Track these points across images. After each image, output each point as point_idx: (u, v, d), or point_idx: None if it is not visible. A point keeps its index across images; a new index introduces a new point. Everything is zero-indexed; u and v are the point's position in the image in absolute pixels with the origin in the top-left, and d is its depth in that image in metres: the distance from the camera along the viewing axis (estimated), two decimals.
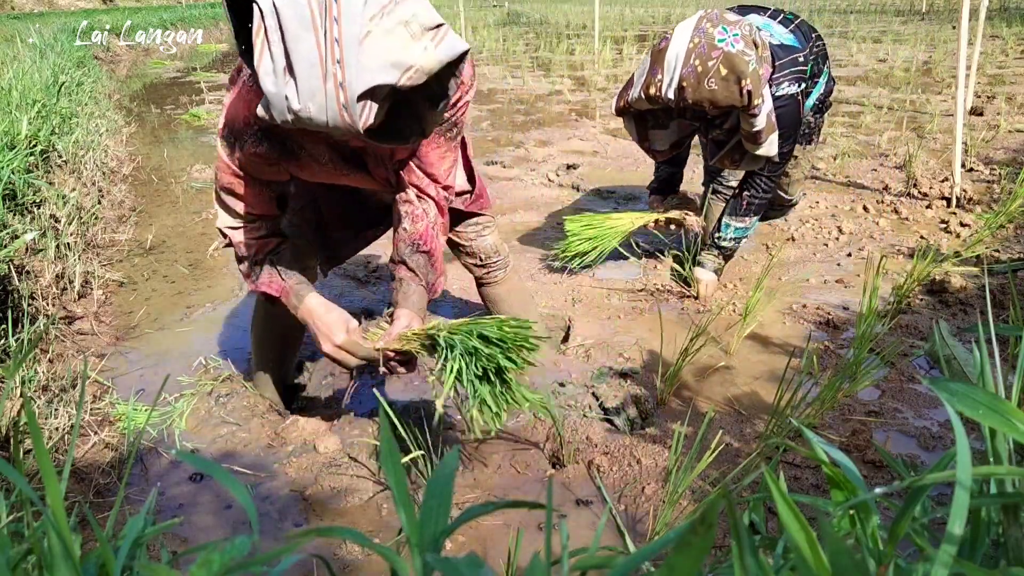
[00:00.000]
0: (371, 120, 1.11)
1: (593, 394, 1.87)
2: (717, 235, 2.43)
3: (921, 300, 2.34)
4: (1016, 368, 0.73)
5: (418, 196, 1.55)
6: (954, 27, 9.84)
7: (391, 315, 1.54)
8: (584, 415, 1.78)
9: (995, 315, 2.20)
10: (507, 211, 3.50)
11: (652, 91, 2.02)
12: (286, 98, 1.08)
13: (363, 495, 1.56)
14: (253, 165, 1.41)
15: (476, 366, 1.43)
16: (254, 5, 1.06)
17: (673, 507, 1.37)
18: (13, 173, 2.70)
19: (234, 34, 1.16)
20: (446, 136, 1.49)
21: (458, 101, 1.42)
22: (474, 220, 1.93)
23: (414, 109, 1.24)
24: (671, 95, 2.00)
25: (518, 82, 7.54)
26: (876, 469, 1.57)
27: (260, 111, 1.13)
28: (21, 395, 1.71)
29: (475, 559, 0.44)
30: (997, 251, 2.66)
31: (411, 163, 1.52)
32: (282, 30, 1.04)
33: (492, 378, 1.45)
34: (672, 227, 2.54)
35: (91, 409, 1.82)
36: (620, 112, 2.21)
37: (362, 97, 1.07)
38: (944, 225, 3.02)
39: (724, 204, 2.61)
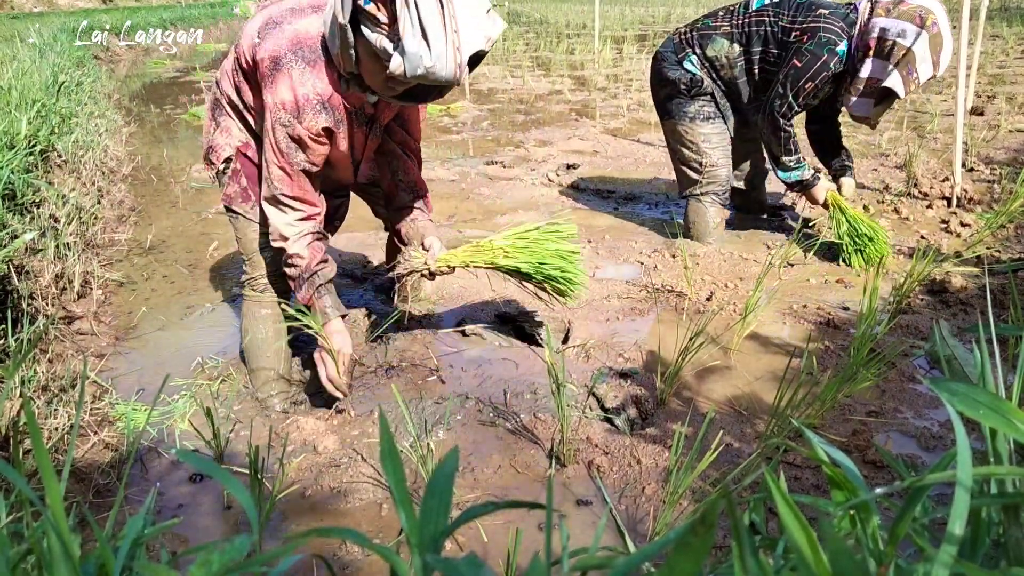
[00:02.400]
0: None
1: (593, 394, 1.87)
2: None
3: (921, 300, 2.34)
4: (1016, 368, 0.73)
5: (403, 151, 1.89)
6: (954, 27, 9.83)
7: (422, 245, 1.89)
8: (584, 415, 1.78)
9: (995, 315, 2.20)
10: (507, 211, 3.50)
11: (942, 71, 2.42)
12: (421, 57, 1.33)
13: (363, 495, 1.56)
14: (306, 142, 1.63)
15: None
16: None
17: (673, 507, 1.37)
18: (12, 173, 2.70)
19: (349, 12, 1.39)
20: None
21: None
22: (415, 205, 2.02)
23: None
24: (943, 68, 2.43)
25: (518, 82, 7.54)
26: (876, 469, 1.56)
27: (393, 66, 1.36)
28: (21, 395, 1.71)
29: (475, 559, 0.44)
30: (998, 251, 2.66)
31: (394, 124, 1.85)
32: (417, 5, 1.31)
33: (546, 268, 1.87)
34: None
35: (91, 409, 1.82)
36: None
37: (469, 61, 1.39)
38: (944, 225, 3.02)
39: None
